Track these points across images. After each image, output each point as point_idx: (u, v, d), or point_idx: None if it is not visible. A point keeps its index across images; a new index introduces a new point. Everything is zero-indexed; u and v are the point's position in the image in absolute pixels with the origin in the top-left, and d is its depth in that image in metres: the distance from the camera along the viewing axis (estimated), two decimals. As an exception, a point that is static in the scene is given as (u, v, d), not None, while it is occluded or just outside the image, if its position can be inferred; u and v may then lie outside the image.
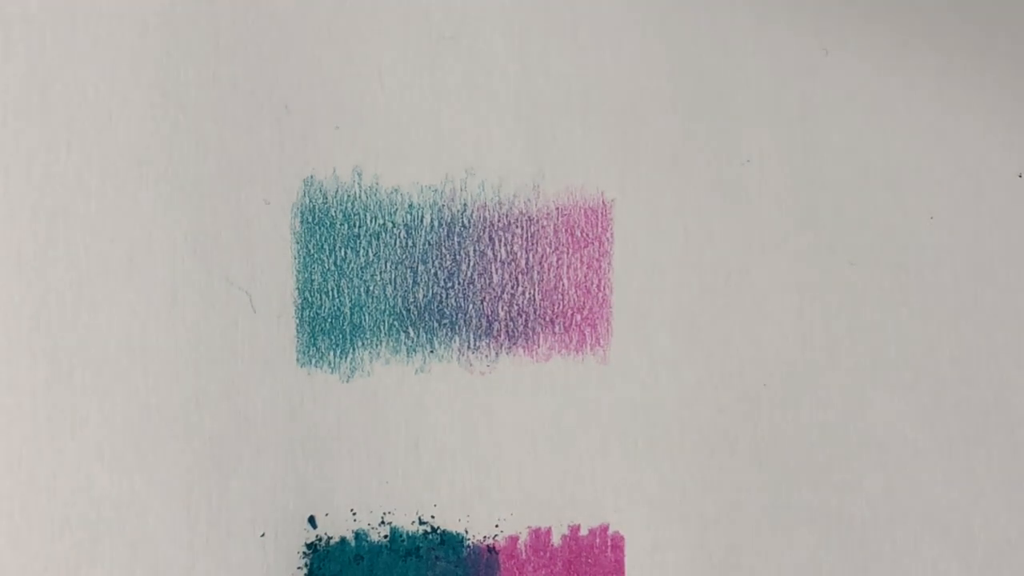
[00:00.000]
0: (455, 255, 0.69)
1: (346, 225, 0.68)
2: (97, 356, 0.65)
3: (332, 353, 0.67)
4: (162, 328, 0.66)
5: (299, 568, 0.67)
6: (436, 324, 0.69)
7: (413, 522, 0.68)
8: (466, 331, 0.69)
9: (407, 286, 0.69)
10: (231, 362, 0.66)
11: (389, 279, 0.68)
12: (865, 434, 0.72)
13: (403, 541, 0.68)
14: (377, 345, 0.68)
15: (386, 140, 0.69)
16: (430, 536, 0.68)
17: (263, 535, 0.66)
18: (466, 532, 0.69)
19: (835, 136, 0.73)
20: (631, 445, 0.70)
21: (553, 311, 0.70)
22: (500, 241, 0.69)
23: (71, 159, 0.65)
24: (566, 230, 0.70)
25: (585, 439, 0.70)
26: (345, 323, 0.68)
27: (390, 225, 0.69)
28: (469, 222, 0.69)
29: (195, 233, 0.66)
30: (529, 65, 0.70)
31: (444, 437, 0.68)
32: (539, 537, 0.69)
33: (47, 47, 0.65)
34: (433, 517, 0.68)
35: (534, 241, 0.70)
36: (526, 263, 0.70)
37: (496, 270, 0.69)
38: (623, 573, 0.70)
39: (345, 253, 0.68)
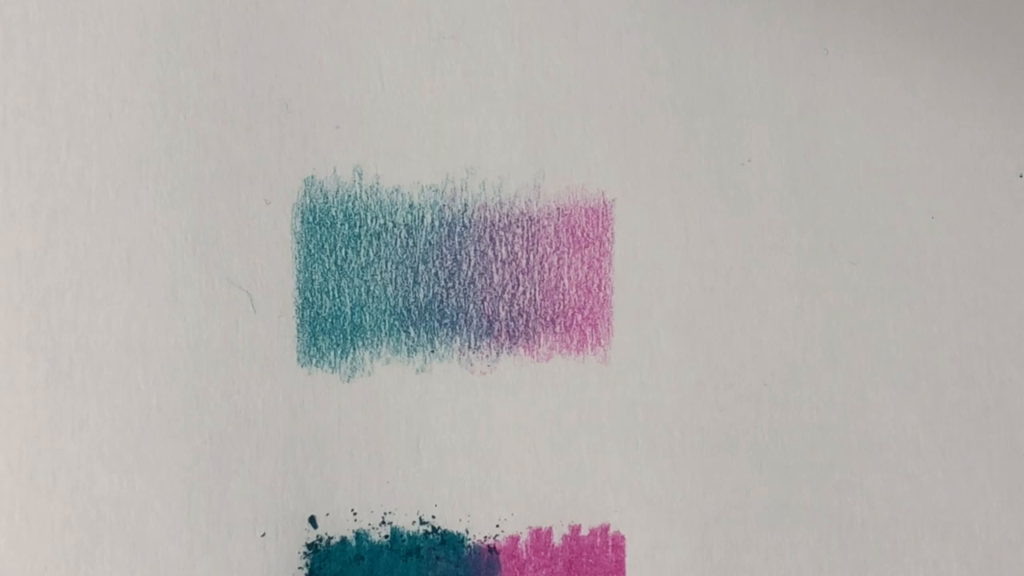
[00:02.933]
0: (456, 255, 0.69)
1: (347, 225, 0.68)
2: (97, 356, 0.65)
3: (333, 353, 0.67)
4: (162, 328, 0.66)
5: (300, 568, 0.67)
6: (437, 324, 0.69)
7: (414, 522, 0.68)
8: (467, 331, 0.69)
9: (408, 286, 0.69)
10: (231, 362, 0.66)
11: (390, 279, 0.68)
12: (865, 434, 0.72)
13: (404, 541, 0.68)
14: (378, 345, 0.68)
15: (387, 140, 0.68)
16: (431, 536, 0.68)
17: (263, 535, 0.66)
18: (467, 532, 0.69)
19: (835, 136, 0.73)
20: (631, 445, 0.70)
21: (554, 311, 0.70)
22: (501, 241, 0.69)
23: (71, 159, 0.65)
24: (567, 230, 0.70)
25: (586, 439, 0.70)
26: (346, 323, 0.68)
27: (391, 225, 0.69)
28: (470, 222, 0.69)
29: (195, 233, 0.66)
30: (529, 65, 0.70)
31: (445, 437, 0.68)
32: (540, 537, 0.69)
33: (47, 47, 0.65)
34: (434, 517, 0.68)
35: (535, 241, 0.70)
36: (527, 263, 0.70)
37: (497, 270, 0.69)
38: (624, 573, 0.70)
39: (346, 253, 0.68)
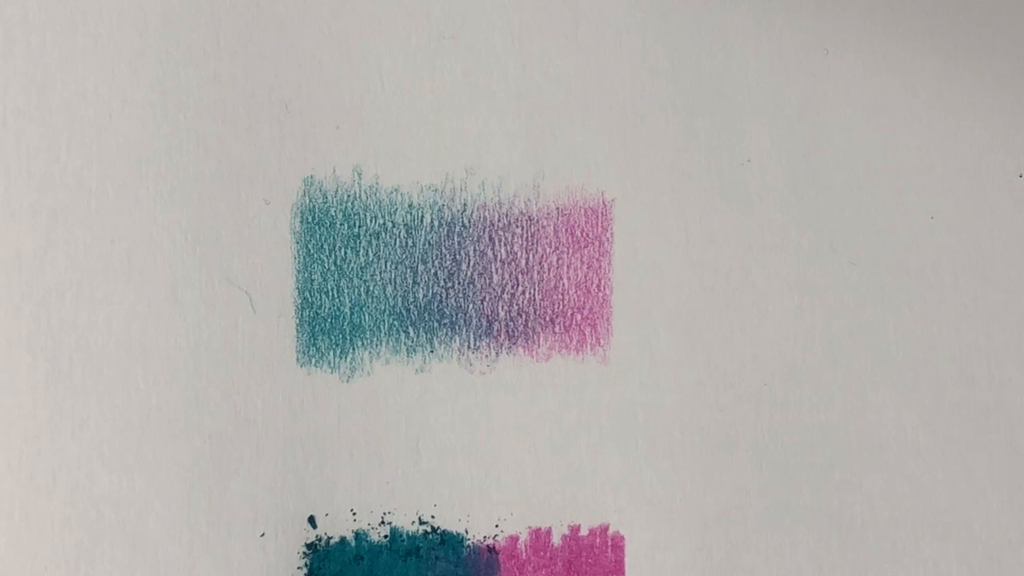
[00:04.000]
0: (455, 255, 0.69)
1: (346, 225, 0.68)
2: (97, 356, 0.65)
3: (332, 353, 0.67)
4: (162, 328, 0.66)
5: (299, 568, 0.67)
6: (436, 324, 0.69)
7: (413, 522, 0.68)
8: (466, 331, 0.69)
9: (407, 286, 0.69)
10: (231, 362, 0.66)
11: (389, 279, 0.68)
12: (865, 434, 0.72)
13: (403, 541, 0.68)
14: (377, 345, 0.68)
15: (386, 140, 0.69)
16: (430, 536, 0.68)
17: (263, 535, 0.66)
18: (466, 532, 0.69)
19: (835, 136, 0.73)
20: (631, 445, 0.70)
21: (553, 311, 0.70)
22: (500, 241, 0.69)
23: (71, 159, 0.65)
24: (566, 230, 0.70)
25: (585, 439, 0.70)
26: (345, 323, 0.68)
27: (390, 225, 0.69)
28: (469, 222, 0.69)
29: (195, 233, 0.66)
30: (529, 65, 0.70)
31: (444, 437, 0.68)
32: (539, 537, 0.69)
33: (47, 47, 0.65)
34: (433, 517, 0.68)
35: (534, 241, 0.70)
36: (526, 263, 0.70)
37: (496, 270, 0.69)
38: (623, 573, 0.70)
39: (345, 253, 0.68)
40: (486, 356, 0.69)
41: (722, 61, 0.72)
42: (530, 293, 0.70)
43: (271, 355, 0.67)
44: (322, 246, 0.68)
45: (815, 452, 0.72)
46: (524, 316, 0.70)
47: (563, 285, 0.70)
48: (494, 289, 0.69)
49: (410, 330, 0.68)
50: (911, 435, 0.73)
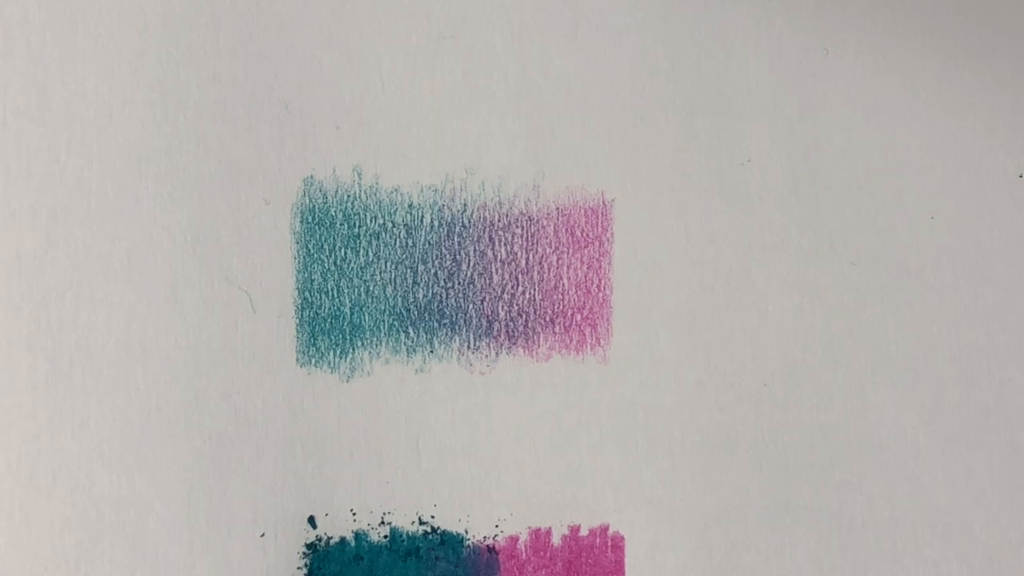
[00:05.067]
0: (455, 255, 0.69)
1: (346, 225, 0.68)
2: (97, 356, 0.65)
3: (332, 353, 0.67)
4: (162, 328, 0.66)
5: (299, 568, 0.67)
6: (436, 324, 0.69)
7: (413, 522, 0.68)
8: (466, 331, 0.69)
9: (407, 286, 0.69)
10: (231, 362, 0.66)
11: (389, 279, 0.68)
12: (865, 434, 0.72)
13: (403, 541, 0.68)
14: (377, 345, 0.68)
15: (386, 140, 0.69)
16: (430, 536, 0.68)
17: (263, 535, 0.66)
18: (466, 532, 0.69)
19: (835, 136, 0.73)
20: (631, 445, 0.70)
21: (553, 311, 0.70)
22: (500, 241, 0.69)
23: (71, 159, 0.65)
24: (566, 230, 0.70)
25: (585, 439, 0.70)
26: (345, 323, 0.68)
27: (390, 225, 0.69)
28: (469, 222, 0.69)
29: (195, 233, 0.66)
30: (529, 65, 0.70)
31: (444, 437, 0.68)
32: (539, 537, 0.69)
33: (47, 47, 0.65)
34: (433, 517, 0.68)
35: (534, 241, 0.70)
36: (526, 263, 0.70)
37: (496, 270, 0.69)
38: (623, 573, 0.70)
39: (345, 253, 0.68)
40: (486, 356, 0.69)
41: (722, 61, 0.72)
42: (530, 293, 0.70)
43: (271, 355, 0.67)
44: (322, 246, 0.68)
45: (815, 452, 0.72)
46: (524, 316, 0.70)
47: (563, 285, 0.70)
48: (494, 289, 0.69)
49: (410, 330, 0.68)
50: (911, 435, 0.73)
